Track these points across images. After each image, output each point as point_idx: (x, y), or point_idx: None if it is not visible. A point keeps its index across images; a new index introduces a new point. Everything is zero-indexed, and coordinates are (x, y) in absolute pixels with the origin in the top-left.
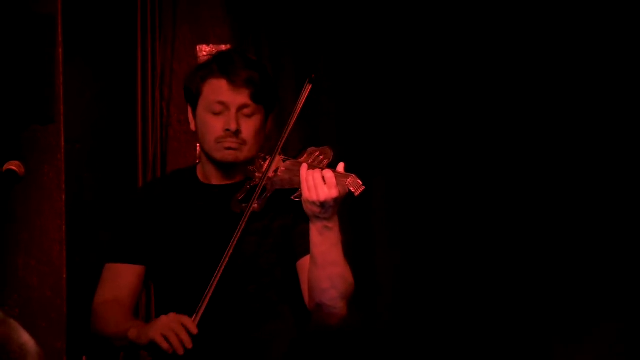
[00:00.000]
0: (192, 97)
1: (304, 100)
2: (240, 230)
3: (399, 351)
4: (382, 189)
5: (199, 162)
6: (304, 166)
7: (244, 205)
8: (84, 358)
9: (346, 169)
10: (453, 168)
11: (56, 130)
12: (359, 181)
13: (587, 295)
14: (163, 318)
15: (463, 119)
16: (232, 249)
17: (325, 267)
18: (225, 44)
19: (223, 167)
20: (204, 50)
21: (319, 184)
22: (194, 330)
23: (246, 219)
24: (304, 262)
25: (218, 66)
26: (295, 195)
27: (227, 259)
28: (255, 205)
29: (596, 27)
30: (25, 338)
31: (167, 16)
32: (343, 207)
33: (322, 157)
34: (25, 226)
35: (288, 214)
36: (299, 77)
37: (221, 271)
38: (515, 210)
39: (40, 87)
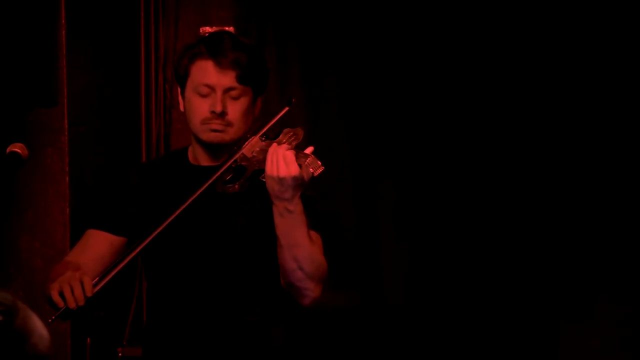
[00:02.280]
0: (181, 79)
1: (276, 119)
2: (197, 193)
3: (405, 335)
4: (389, 177)
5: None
6: (273, 146)
7: (227, 185)
8: (88, 340)
9: (353, 159)
10: (459, 156)
11: (60, 113)
12: (319, 162)
13: (595, 276)
14: (67, 273)
15: (470, 111)
16: (182, 207)
17: (289, 248)
18: (229, 26)
19: (210, 148)
20: (207, 32)
21: (281, 160)
22: (89, 292)
23: (207, 184)
24: None
25: (206, 47)
26: (263, 175)
27: (171, 218)
28: (237, 186)
29: (596, 27)
30: (39, 324)
31: None
32: (347, 194)
33: (293, 137)
34: (29, 209)
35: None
36: (304, 60)
37: (156, 231)
38: (523, 196)
39: (44, 69)
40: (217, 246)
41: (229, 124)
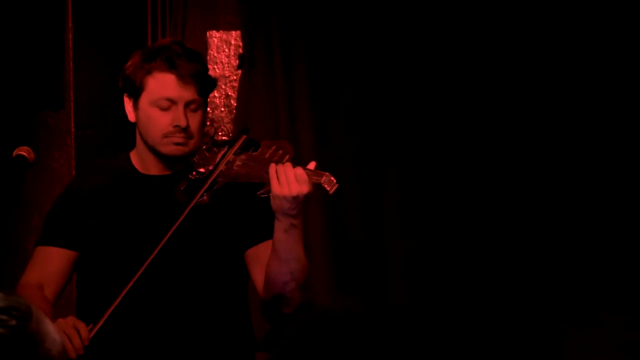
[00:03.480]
0: (134, 89)
1: (236, 148)
2: (180, 221)
3: (410, 337)
4: (393, 177)
5: (131, 150)
6: (273, 164)
7: (190, 197)
8: None
9: (358, 156)
10: (466, 160)
11: (66, 116)
12: (333, 179)
13: (600, 281)
14: (60, 320)
15: (478, 115)
16: (165, 240)
17: (288, 262)
18: (236, 29)
19: (166, 159)
20: (214, 36)
21: (291, 179)
22: (86, 340)
23: (188, 210)
24: (255, 251)
25: (164, 60)
26: (261, 191)
27: (155, 252)
28: (205, 197)
29: (596, 27)
30: (53, 331)
31: (177, 1)
32: (354, 196)
33: (281, 151)
34: (36, 211)
35: (236, 204)
36: (310, 63)
37: (142, 269)
38: (528, 201)
39: (51, 72)
40: (182, 257)
41: (190, 136)
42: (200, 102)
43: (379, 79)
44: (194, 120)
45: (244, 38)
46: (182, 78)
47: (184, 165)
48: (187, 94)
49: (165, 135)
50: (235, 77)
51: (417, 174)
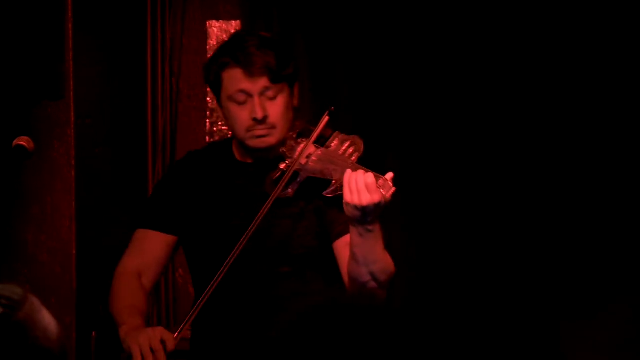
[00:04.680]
0: (213, 85)
1: (320, 128)
2: (264, 213)
3: (410, 336)
4: (396, 172)
5: (234, 137)
6: (348, 172)
7: (277, 188)
8: (93, 334)
9: (360, 155)
10: (463, 156)
11: (66, 106)
12: (390, 183)
13: (598, 275)
14: (149, 331)
15: (478, 114)
16: (252, 231)
17: (366, 264)
18: (236, 19)
19: (257, 151)
20: (214, 26)
21: (362, 188)
22: (171, 347)
23: (271, 202)
24: (340, 244)
25: (231, 56)
26: (328, 191)
27: (244, 243)
28: (290, 191)
29: (596, 27)
30: (48, 320)
31: None
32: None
33: (352, 149)
34: (36, 202)
35: (321, 196)
36: (311, 54)
37: (232, 260)
38: (525, 198)
39: (50, 62)
40: (258, 247)
41: (273, 127)
42: (278, 89)
43: (379, 74)
44: (273, 109)
45: (243, 27)
46: (250, 72)
47: (279, 153)
48: (258, 85)
49: (248, 130)
50: None
51: (417, 169)
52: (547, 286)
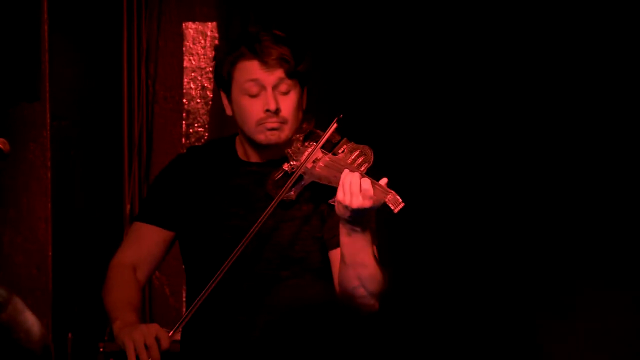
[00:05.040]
0: (225, 83)
1: (329, 134)
2: (267, 215)
3: (395, 330)
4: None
5: (237, 135)
6: (346, 171)
7: (280, 190)
8: (69, 335)
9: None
10: (445, 153)
11: (42, 108)
12: (399, 198)
13: (577, 268)
14: (143, 327)
15: (463, 113)
16: (253, 233)
17: (354, 267)
18: (212, 21)
19: (264, 148)
20: (190, 28)
21: (355, 192)
22: (165, 346)
23: (275, 205)
24: (335, 254)
25: (247, 47)
26: (333, 199)
27: (245, 244)
28: (292, 193)
29: (596, 27)
30: (31, 321)
31: None
32: None
33: (361, 159)
34: (12, 204)
35: (324, 202)
36: None
37: (232, 261)
38: (506, 193)
39: (26, 64)
40: (266, 252)
41: (284, 121)
42: (291, 84)
43: (362, 79)
44: (285, 103)
45: (220, 29)
46: (265, 63)
47: (282, 155)
48: (273, 76)
49: (259, 123)
50: (211, 69)
51: (408, 170)
52: (523, 279)
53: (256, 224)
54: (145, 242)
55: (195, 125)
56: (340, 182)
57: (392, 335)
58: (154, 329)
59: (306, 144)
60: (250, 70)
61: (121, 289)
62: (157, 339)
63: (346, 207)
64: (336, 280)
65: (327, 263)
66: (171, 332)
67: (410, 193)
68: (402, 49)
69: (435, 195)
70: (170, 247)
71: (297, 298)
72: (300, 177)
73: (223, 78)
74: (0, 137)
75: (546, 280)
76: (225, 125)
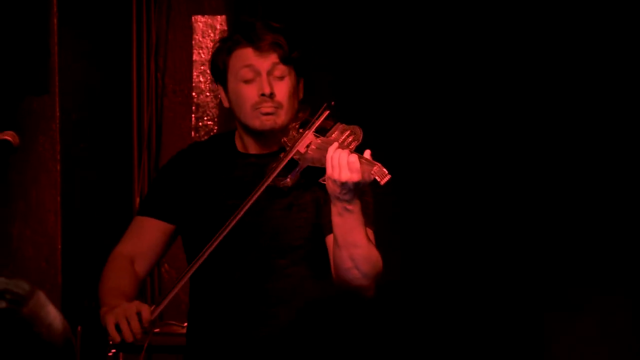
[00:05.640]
0: (221, 74)
1: (322, 119)
2: (258, 193)
3: (398, 325)
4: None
5: (237, 129)
6: (334, 145)
7: (278, 178)
8: (79, 328)
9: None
10: (446, 152)
11: (51, 101)
12: (385, 170)
13: (583, 267)
14: (124, 304)
15: (458, 112)
16: (243, 211)
17: (346, 247)
18: (221, 14)
19: (261, 135)
20: (200, 21)
21: (343, 165)
22: (147, 317)
23: (266, 184)
24: (331, 239)
25: (241, 35)
26: (323, 177)
27: (233, 222)
28: (288, 180)
29: (596, 27)
30: (53, 315)
31: None
32: None
33: (351, 138)
34: (21, 196)
35: (320, 189)
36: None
37: (221, 236)
38: (509, 190)
39: (35, 57)
40: (264, 240)
41: (279, 106)
42: (285, 70)
43: (367, 73)
44: (280, 88)
45: (229, 22)
46: (259, 48)
47: (280, 145)
48: (267, 61)
49: (254, 107)
50: None
51: (414, 166)
52: (529, 276)
53: (245, 201)
54: (145, 235)
55: (205, 118)
56: (328, 157)
57: (394, 330)
58: (134, 304)
59: (300, 131)
60: (245, 57)
61: (115, 277)
62: (139, 313)
63: (335, 181)
64: (332, 266)
65: (325, 251)
66: (153, 306)
67: (418, 189)
68: (403, 49)
69: (441, 192)
70: (171, 241)
71: (295, 286)
72: (295, 163)
73: (219, 68)
74: (9, 130)
75: (549, 279)
76: (233, 119)
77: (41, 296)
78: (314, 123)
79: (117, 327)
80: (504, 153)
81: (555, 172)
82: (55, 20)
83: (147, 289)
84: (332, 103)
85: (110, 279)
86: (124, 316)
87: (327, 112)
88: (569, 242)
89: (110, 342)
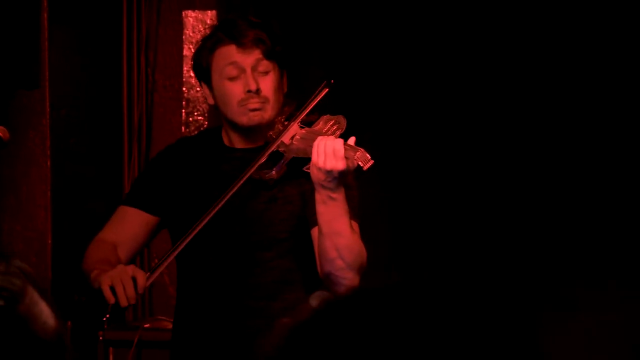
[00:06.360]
0: (204, 72)
1: (317, 101)
2: (238, 184)
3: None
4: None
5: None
6: (320, 136)
7: (263, 171)
8: (68, 324)
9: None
10: (439, 149)
11: (41, 96)
12: (368, 155)
13: (578, 264)
14: (119, 267)
15: (451, 111)
16: (224, 200)
17: (330, 236)
18: (211, 9)
19: (248, 131)
20: (190, 16)
21: (329, 152)
22: (142, 283)
23: (247, 175)
24: (316, 231)
25: (223, 33)
26: (307, 166)
27: (214, 211)
28: (274, 173)
29: (596, 27)
30: (46, 312)
31: None
32: None
33: (335, 127)
34: (11, 192)
35: (307, 181)
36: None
37: (200, 226)
38: (504, 187)
39: (25, 52)
40: (249, 233)
41: (266, 101)
42: (269, 65)
43: (359, 70)
44: (265, 83)
45: (219, 18)
46: (242, 45)
47: (266, 140)
48: (251, 57)
49: (241, 104)
50: None
51: (414, 167)
52: (522, 273)
53: (227, 191)
54: (127, 224)
55: (195, 113)
56: (314, 145)
57: (385, 327)
58: (130, 268)
59: (286, 123)
60: (228, 54)
61: (103, 252)
62: (134, 278)
63: (320, 169)
64: (317, 258)
65: (310, 244)
66: (148, 273)
67: (416, 188)
68: (395, 43)
69: (435, 189)
70: (154, 233)
71: (281, 279)
72: (281, 156)
73: (202, 67)
74: None
75: (547, 277)
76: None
77: (34, 293)
78: (312, 101)
79: (112, 290)
80: (502, 152)
81: (550, 171)
82: (45, 15)
83: None
84: (332, 81)
85: (94, 254)
86: (120, 280)
87: (326, 90)
88: (564, 241)
89: (101, 338)
